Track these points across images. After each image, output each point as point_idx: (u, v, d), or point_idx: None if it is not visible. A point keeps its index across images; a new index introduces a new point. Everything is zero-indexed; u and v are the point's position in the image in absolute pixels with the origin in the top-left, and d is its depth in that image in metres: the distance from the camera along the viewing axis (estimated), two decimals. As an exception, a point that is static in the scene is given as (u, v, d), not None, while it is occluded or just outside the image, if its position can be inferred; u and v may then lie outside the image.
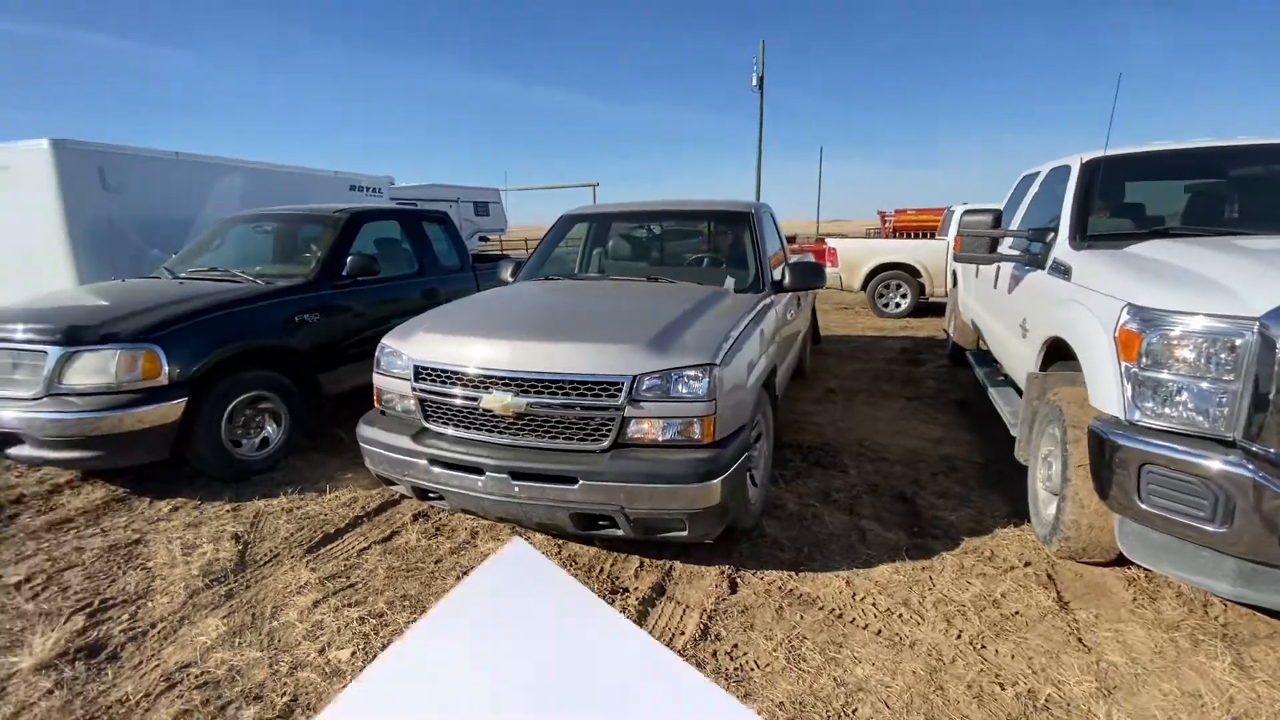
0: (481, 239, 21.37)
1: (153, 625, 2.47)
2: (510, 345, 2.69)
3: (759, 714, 1.90)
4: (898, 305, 10.50)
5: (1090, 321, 2.55)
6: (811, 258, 4.31)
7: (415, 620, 2.46)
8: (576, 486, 2.48)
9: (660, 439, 2.54)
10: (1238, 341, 2.01)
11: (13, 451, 3.40)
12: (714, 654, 2.26)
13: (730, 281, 3.63)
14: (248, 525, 3.27)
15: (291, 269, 4.74)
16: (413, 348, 2.90)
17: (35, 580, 2.80)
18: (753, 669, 2.18)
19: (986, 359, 5.07)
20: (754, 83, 26.55)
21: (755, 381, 2.93)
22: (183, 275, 4.72)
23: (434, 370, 2.78)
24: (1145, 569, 2.57)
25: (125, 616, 2.53)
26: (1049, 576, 2.70)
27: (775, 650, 2.27)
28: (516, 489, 2.56)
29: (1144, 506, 2.18)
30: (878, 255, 10.62)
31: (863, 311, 11.02)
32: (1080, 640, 2.30)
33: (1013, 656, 2.22)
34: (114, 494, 3.67)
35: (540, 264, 4.38)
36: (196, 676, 2.18)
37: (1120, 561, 2.66)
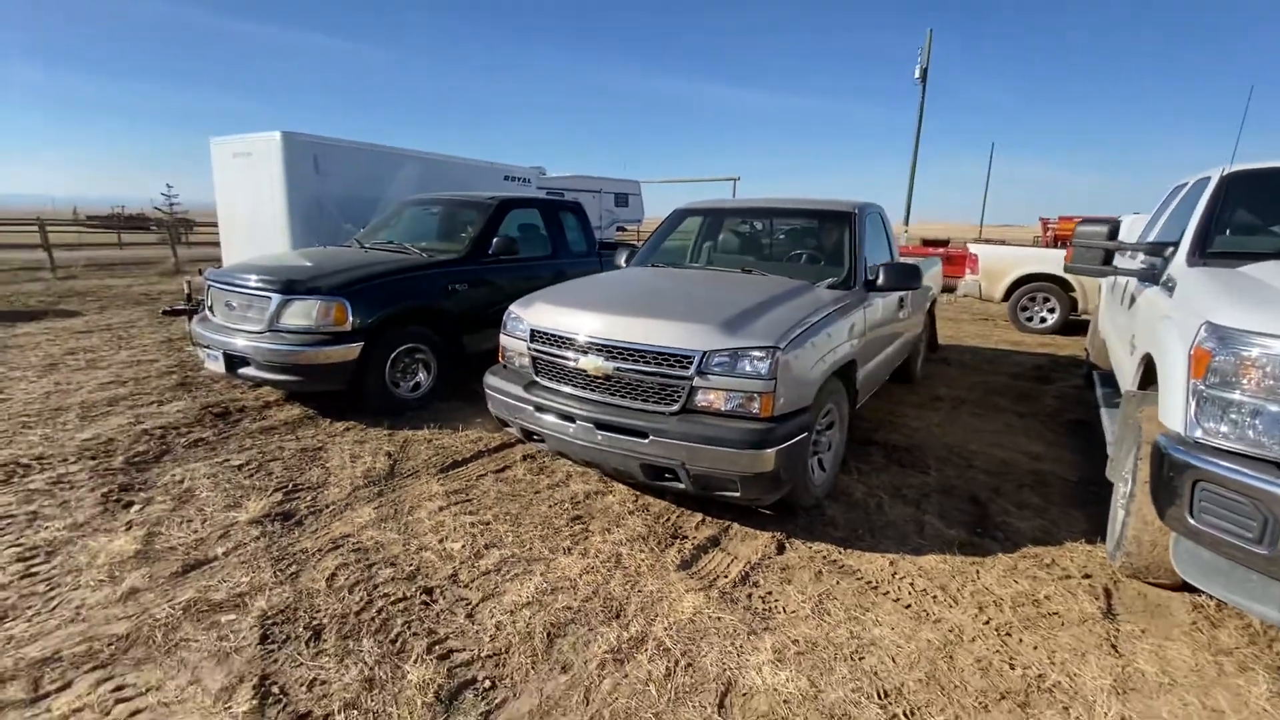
0: (619, 229, 22.43)
1: (327, 506, 3.28)
2: (605, 318, 3.13)
3: (774, 645, 2.24)
4: (1043, 320, 9.73)
5: (1175, 338, 2.52)
6: (912, 260, 4.37)
7: (512, 531, 3.05)
8: (647, 440, 2.87)
9: (723, 408, 2.85)
10: (1308, 364, 1.97)
11: (242, 371, 4.49)
12: (748, 595, 2.60)
13: (821, 277, 3.85)
14: (398, 447, 4.09)
15: (449, 245, 5.61)
16: (532, 314, 3.45)
17: (251, 465, 3.76)
18: (779, 611, 2.50)
19: (1110, 379, 4.78)
20: (916, 75, 25.11)
21: (824, 370, 3.13)
22: (367, 245, 5.77)
23: (545, 334, 3.31)
24: (1215, 599, 2.50)
25: (309, 497, 3.37)
26: (1105, 590, 2.70)
27: (804, 602, 2.56)
28: (599, 437, 3.00)
29: (1194, 523, 2.18)
30: (1023, 264, 9.88)
31: (1004, 324, 10.33)
32: (1114, 647, 2.35)
33: (1035, 647, 2.33)
34: (307, 413, 4.70)
35: (650, 252, 4.79)
36: (353, 543, 2.92)
37: (1188, 589, 2.60)
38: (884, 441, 4.48)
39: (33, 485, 3.41)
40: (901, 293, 4.49)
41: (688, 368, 2.87)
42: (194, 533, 2.97)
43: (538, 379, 3.38)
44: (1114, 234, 3.53)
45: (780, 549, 2.97)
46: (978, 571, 2.83)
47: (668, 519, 3.24)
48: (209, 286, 4.93)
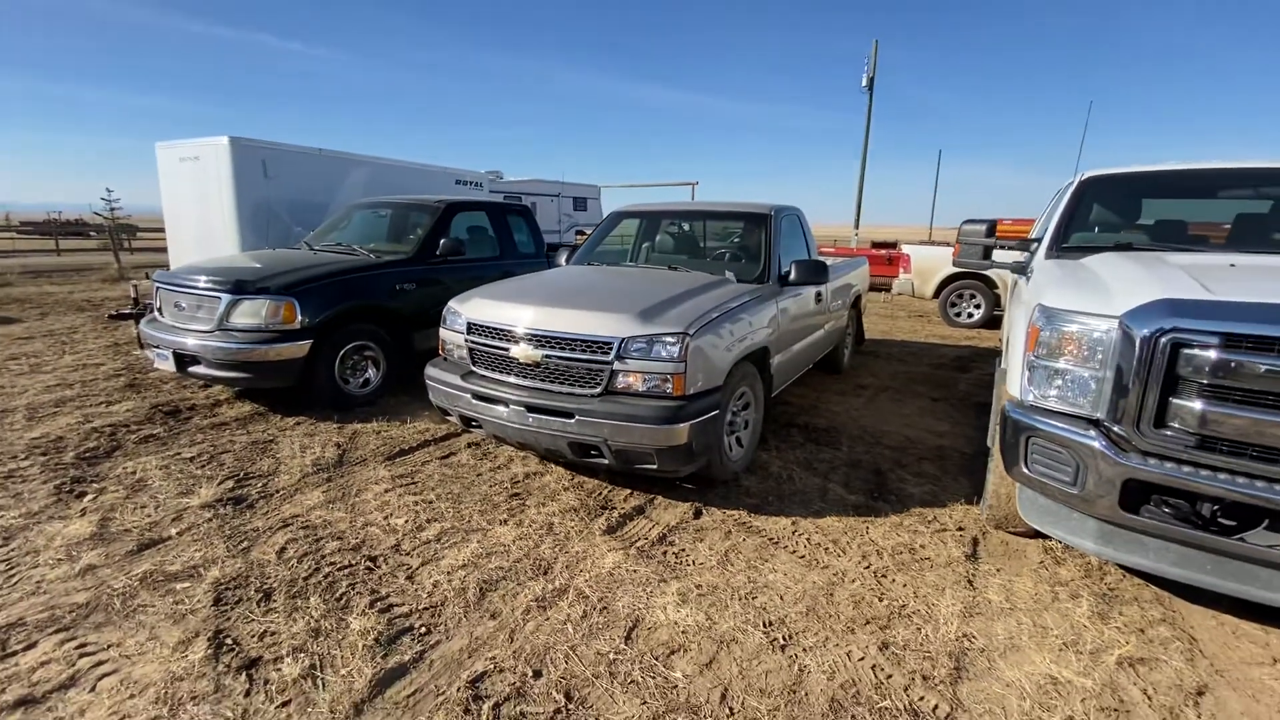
0: (578, 232, 22.68)
1: (276, 491, 3.48)
2: (535, 310, 3.44)
3: (679, 589, 2.57)
4: (970, 315, 10.41)
5: (1021, 319, 2.96)
6: (819, 258, 4.85)
7: (453, 508, 3.31)
8: (573, 420, 3.17)
9: (640, 389, 3.17)
10: (1102, 336, 2.40)
11: (193, 369, 4.62)
12: (663, 552, 2.93)
13: (741, 273, 4.24)
14: (347, 438, 4.29)
15: (398, 247, 5.82)
16: (468, 309, 3.74)
17: (202, 457, 3.92)
18: (688, 564, 2.83)
19: (1008, 364, 5.30)
20: (864, 83, 26.14)
21: (734, 355, 3.47)
22: (317, 248, 5.92)
23: (481, 326, 3.60)
24: (1060, 542, 2.93)
25: (259, 484, 3.57)
26: (973, 540, 3.12)
27: (711, 555, 2.91)
28: (531, 420, 3.29)
29: (1028, 472, 2.60)
30: (951, 264, 10.56)
31: (936, 320, 10.98)
32: (970, 582, 2.76)
33: (904, 585, 2.72)
34: (258, 409, 4.84)
35: (587, 252, 5.14)
36: (302, 522, 3.14)
37: (1041, 536, 3.04)
38: (804, 424, 4.89)
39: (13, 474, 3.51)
40: (817, 288, 4.88)
41: (608, 353, 3.18)
42: (148, 517, 3.14)
43: (475, 369, 3.67)
44: (991, 231, 4.01)
45: (697, 514, 3.31)
46: (867, 528, 3.22)
47: (599, 493, 3.55)
48: (158, 288, 5.04)
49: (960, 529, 3.23)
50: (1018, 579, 2.79)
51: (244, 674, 2.10)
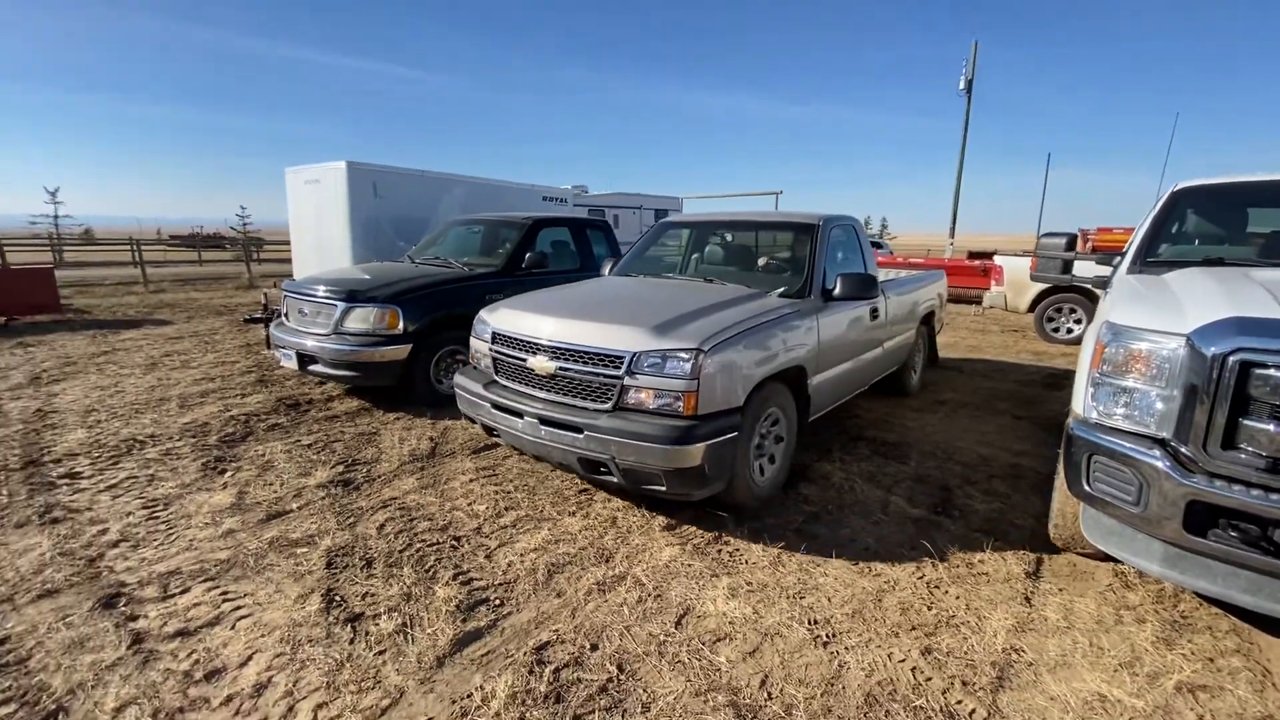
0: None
1: (378, 476, 3.94)
2: (553, 321, 3.39)
3: (729, 584, 2.74)
4: (1070, 331, 9.80)
5: (1091, 337, 2.91)
6: (869, 272, 4.35)
7: (528, 498, 3.62)
8: (582, 436, 3.07)
9: (651, 406, 3.03)
10: (1170, 354, 2.36)
11: (312, 368, 5.25)
12: (718, 550, 3.09)
13: (784, 286, 4.05)
14: (439, 433, 4.74)
15: (488, 260, 6.32)
16: (495, 318, 3.73)
17: (318, 444, 4.47)
18: (741, 563, 2.98)
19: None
20: (961, 86, 25.07)
21: (759, 373, 3.26)
22: (418, 260, 6.53)
23: (504, 336, 3.58)
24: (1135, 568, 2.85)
25: (364, 469, 4.04)
26: (1037, 559, 3.08)
27: (764, 556, 3.04)
28: (543, 432, 3.23)
29: (1090, 490, 2.57)
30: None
31: (1031, 335, 10.41)
32: (1027, 599, 2.74)
33: (956, 597, 2.75)
34: (363, 405, 5.43)
35: (630, 262, 5.05)
36: (398, 504, 3.55)
37: (1114, 559, 2.95)
38: (873, 437, 4.88)
39: (149, 456, 4.20)
40: (871, 303, 4.56)
41: (619, 367, 3.07)
42: (274, 492, 3.67)
43: (497, 378, 3.66)
44: (1072, 245, 3.89)
45: (754, 517, 3.45)
46: (926, 541, 3.23)
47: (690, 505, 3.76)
48: (285, 296, 5.76)
49: (1024, 547, 3.18)
50: (1080, 600, 2.74)
51: (349, 625, 2.47)
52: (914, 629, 2.51)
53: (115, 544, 3.07)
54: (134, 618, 2.50)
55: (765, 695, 2.14)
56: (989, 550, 3.14)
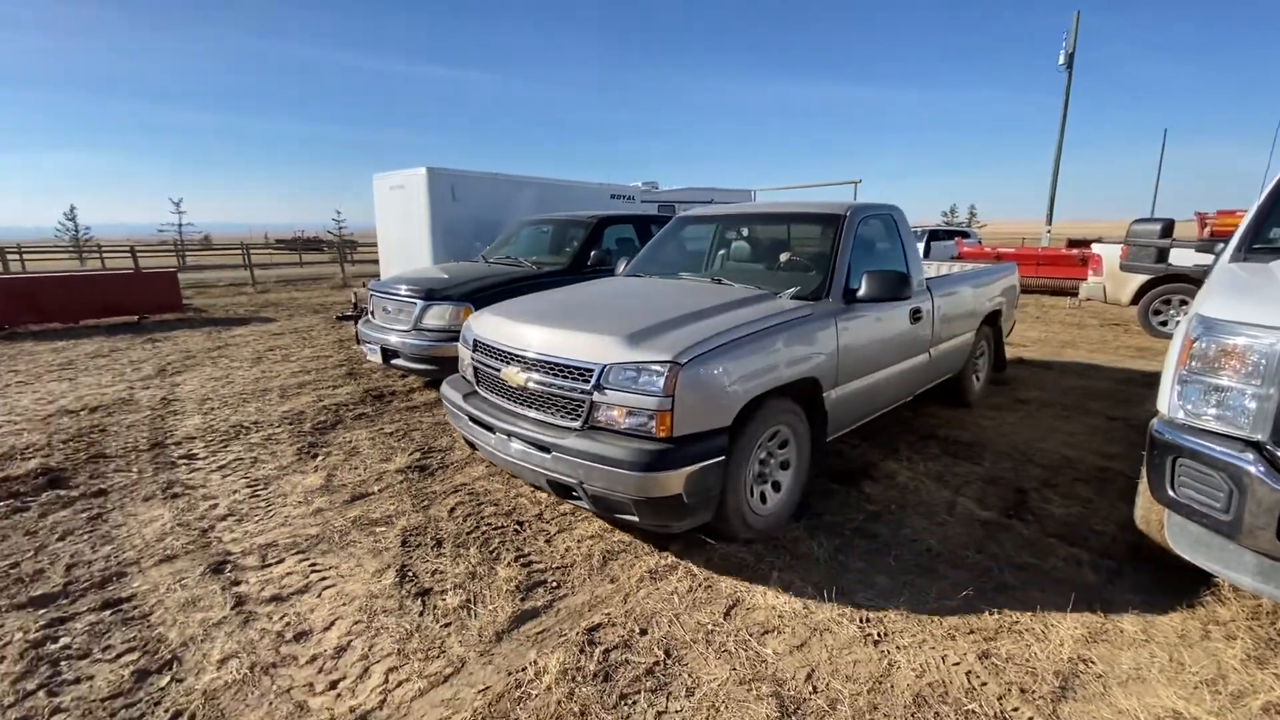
0: (730, 238, 22.89)
1: (451, 463, 4.19)
2: (526, 328, 3.12)
3: (780, 578, 2.75)
4: (1179, 324, 8.97)
5: (1181, 330, 2.70)
6: (896, 270, 3.60)
7: (586, 488, 3.74)
8: (549, 456, 2.78)
9: (623, 426, 2.68)
10: (1266, 349, 2.16)
11: (394, 362, 5.62)
12: (785, 545, 3.09)
13: (803, 285, 3.56)
14: (506, 425, 4.98)
15: (556, 258, 6.53)
16: (477, 324, 3.47)
17: (399, 433, 4.80)
18: (794, 557, 2.98)
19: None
20: (1061, 61, 23.35)
21: (754, 388, 2.85)
22: (491, 260, 6.83)
23: (482, 343, 3.32)
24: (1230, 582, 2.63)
25: (439, 457, 4.31)
26: (1116, 568, 2.89)
27: (819, 551, 3.02)
28: (513, 449, 2.96)
29: (1174, 495, 2.40)
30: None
31: (1135, 330, 9.61)
32: (1101, 608, 2.58)
33: (1021, 602, 2.63)
34: (439, 396, 5.76)
35: (643, 261, 4.67)
36: (468, 490, 3.77)
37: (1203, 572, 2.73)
38: (945, 436, 4.70)
39: (253, 440, 4.65)
40: (909, 304, 4.01)
41: (587, 380, 2.75)
42: (358, 475, 3.98)
43: (477, 389, 3.43)
44: (1168, 232, 3.60)
45: (811, 515, 3.42)
46: (993, 544, 3.10)
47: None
48: (372, 295, 6.18)
49: (1103, 554, 3.00)
50: (1162, 612, 2.56)
51: (419, 599, 2.67)
52: (972, 632, 2.43)
53: (223, 518, 3.44)
54: (237, 583, 2.81)
55: (810, 689, 2.15)
56: (1062, 556, 2.98)
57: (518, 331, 3.17)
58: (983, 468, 4.11)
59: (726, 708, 2.07)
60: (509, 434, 2.99)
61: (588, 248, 6.32)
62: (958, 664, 2.26)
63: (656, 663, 2.28)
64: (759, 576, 2.82)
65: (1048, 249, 16.61)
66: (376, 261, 10.48)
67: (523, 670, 2.24)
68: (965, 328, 4.99)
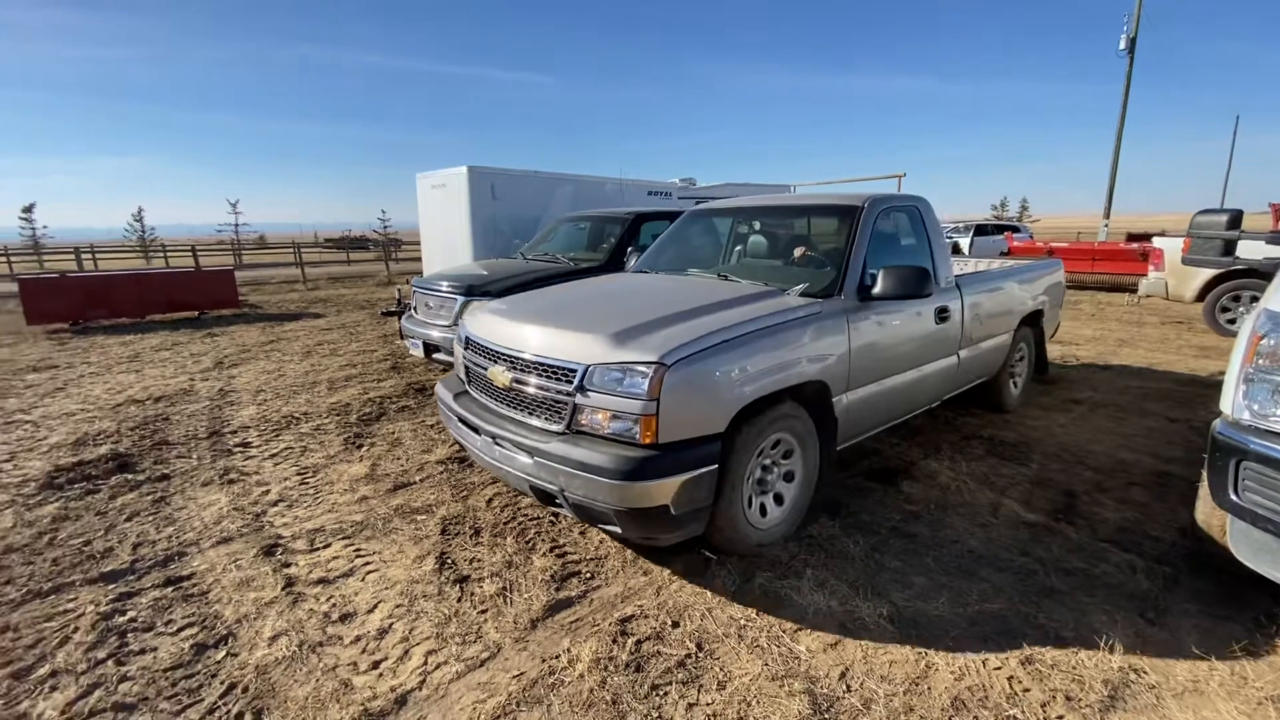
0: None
1: (489, 456, 4.27)
2: (512, 325, 2.98)
3: (815, 575, 2.72)
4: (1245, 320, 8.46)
5: (1247, 327, 2.56)
6: (916, 265, 3.23)
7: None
8: (531, 461, 2.63)
9: (606, 431, 2.50)
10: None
11: (436, 355, 5.77)
12: (820, 543, 3.05)
13: (803, 282, 3.33)
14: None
15: (593, 255, 6.58)
16: (471, 321, 3.35)
17: (439, 425, 4.92)
18: (829, 554, 2.94)
19: None
20: (1122, 46, 22.28)
21: (750, 392, 2.65)
22: (529, 256, 6.93)
23: (472, 341, 3.20)
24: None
25: (477, 449, 4.40)
26: (1173, 575, 2.76)
27: (855, 550, 2.98)
28: (496, 453, 2.82)
29: (1238, 500, 2.28)
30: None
31: (1199, 328, 9.12)
32: (1155, 617, 2.47)
33: (1069, 608, 2.54)
34: (479, 391, 5.88)
35: (651, 256, 4.49)
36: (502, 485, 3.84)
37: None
38: (990, 436, 4.56)
39: (303, 430, 4.84)
40: (935, 302, 3.75)
41: (570, 381, 2.60)
42: (401, 466, 4.10)
43: (468, 388, 3.30)
44: (1236, 223, 3.40)
45: (847, 514, 3.37)
46: (1038, 547, 3.00)
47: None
48: (414, 291, 6.35)
49: (1158, 560, 2.87)
50: (1224, 622, 2.44)
51: (458, 585, 2.74)
52: (1014, 636, 2.36)
53: (275, 503, 3.60)
54: (287, 565, 2.94)
55: (844, 687, 2.13)
56: (1114, 562, 2.86)
57: (505, 329, 3.04)
58: (1030, 469, 3.98)
59: (758, 703, 2.06)
60: (493, 437, 2.84)
61: (624, 244, 6.35)
62: (999, 669, 2.20)
63: (688, 655, 2.29)
64: (793, 572, 2.80)
65: (1105, 243, 15.91)
66: (419, 259, 10.75)
67: (556, 658, 2.28)
68: (1001, 328, 4.68)
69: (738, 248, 4.42)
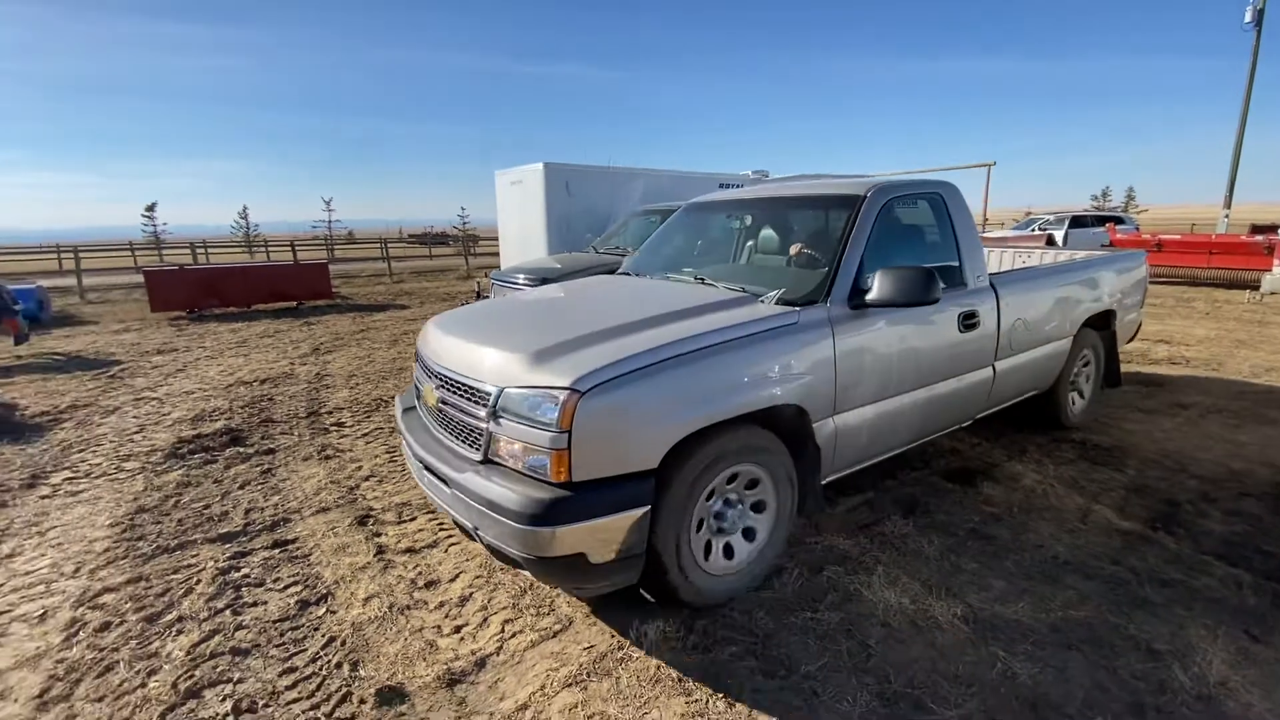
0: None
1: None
2: (446, 338, 2.73)
3: (886, 572, 2.69)
4: (1397, 325, 7.54)
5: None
6: (918, 266, 2.67)
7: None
8: (449, 491, 2.37)
9: (521, 465, 2.17)
10: None
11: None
12: (892, 541, 3.00)
13: (785, 285, 2.85)
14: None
15: (664, 248, 6.64)
16: (423, 334, 3.08)
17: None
18: (909, 554, 2.88)
19: None
20: (1248, 19, 20.20)
21: (690, 422, 2.22)
22: (601, 250, 7.07)
23: (419, 355, 3.00)
24: None
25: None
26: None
27: (930, 549, 2.91)
28: (425, 477, 2.58)
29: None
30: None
31: (1335, 330, 8.20)
32: (1261, 635, 2.29)
33: (1162, 620, 2.39)
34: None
35: (638, 257, 4.13)
36: (576, 467, 3.98)
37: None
38: (1083, 440, 4.30)
39: (390, 413, 5.17)
40: (960, 306, 3.21)
41: (483, 405, 2.30)
42: (479, 448, 4.32)
43: (417, 403, 3.03)
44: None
45: (922, 512, 3.28)
46: (1131, 557, 2.83)
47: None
48: (493, 284, 6.62)
49: (1269, 578, 2.65)
50: (1347, 647, 2.23)
51: (531, 562, 2.88)
52: (1098, 645, 2.25)
53: (367, 478, 3.88)
54: (378, 534, 3.18)
55: (912, 685, 2.10)
56: (1218, 576, 2.66)
57: (439, 342, 2.78)
58: (1126, 475, 3.73)
59: (825, 690, 2.07)
60: (421, 460, 2.59)
61: (695, 237, 6.37)
62: (1083, 680, 2.11)
63: (756, 641, 2.32)
64: (862, 568, 2.76)
65: (1223, 236, 14.49)
66: (496, 254, 11.17)
67: (626, 634, 2.36)
68: (1056, 333, 4.01)
69: (728, 247, 4.02)
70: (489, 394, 2.27)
